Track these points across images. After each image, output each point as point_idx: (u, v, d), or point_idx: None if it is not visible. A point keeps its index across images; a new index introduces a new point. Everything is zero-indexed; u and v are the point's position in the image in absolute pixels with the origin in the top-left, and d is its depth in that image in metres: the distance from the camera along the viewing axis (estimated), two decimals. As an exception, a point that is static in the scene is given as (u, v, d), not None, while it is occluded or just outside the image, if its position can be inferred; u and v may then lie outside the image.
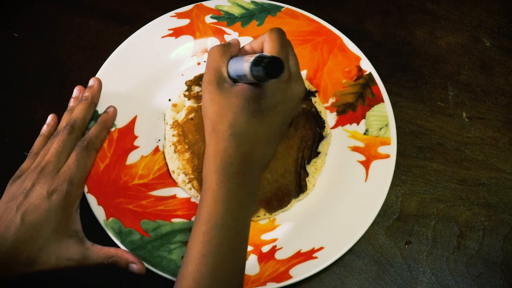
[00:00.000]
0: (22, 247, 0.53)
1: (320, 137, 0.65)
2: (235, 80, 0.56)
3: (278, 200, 0.62)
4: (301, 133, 0.65)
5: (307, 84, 0.68)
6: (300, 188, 0.63)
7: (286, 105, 0.56)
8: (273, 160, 0.63)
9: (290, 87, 0.56)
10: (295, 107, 0.59)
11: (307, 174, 0.63)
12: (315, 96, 0.68)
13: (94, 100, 0.64)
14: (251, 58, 0.52)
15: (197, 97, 0.66)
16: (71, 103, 0.65)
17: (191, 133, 0.64)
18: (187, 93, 0.67)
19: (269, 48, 0.55)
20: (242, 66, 0.53)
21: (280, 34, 0.56)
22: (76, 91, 0.65)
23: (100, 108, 0.65)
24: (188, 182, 0.63)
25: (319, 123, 0.66)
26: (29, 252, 0.54)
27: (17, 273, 0.54)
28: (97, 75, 0.67)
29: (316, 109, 0.67)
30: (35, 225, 0.54)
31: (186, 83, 0.67)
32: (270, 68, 0.51)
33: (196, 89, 0.67)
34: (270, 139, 0.57)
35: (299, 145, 0.64)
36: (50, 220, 0.55)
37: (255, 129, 0.54)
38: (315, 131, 0.65)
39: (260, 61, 0.51)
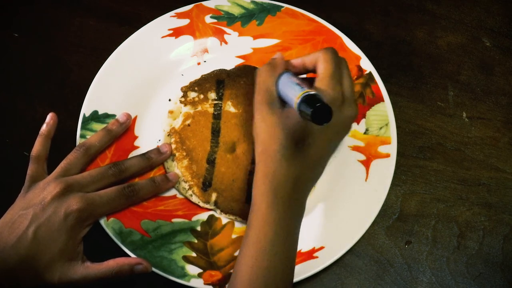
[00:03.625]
0: (31, 263, 0.53)
1: None
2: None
3: None
4: None
5: None
6: None
7: (337, 128, 0.56)
8: None
9: (343, 110, 0.55)
10: (346, 130, 0.58)
11: None
12: None
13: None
14: (298, 93, 0.51)
15: (194, 103, 0.66)
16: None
17: (189, 139, 0.64)
18: (183, 99, 0.67)
19: (322, 70, 0.55)
20: (290, 97, 0.52)
21: (334, 54, 0.56)
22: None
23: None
24: (188, 189, 0.63)
25: None
26: (36, 268, 0.53)
27: (24, 286, 0.54)
28: (97, 75, 0.67)
29: None
30: (45, 242, 0.54)
31: (181, 89, 0.67)
32: (317, 116, 0.49)
33: (191, 94, 0.67)
34: (318, 162, 0.56)
35: None
36: (59, 240, 0.54)
37: (306, 152, 0.54)
38: None
39: (308, 103, 0.49)
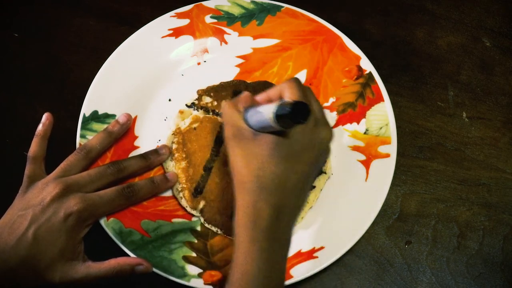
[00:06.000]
0: (31, 263, 0.53)
1: (319, 172, 0.64)
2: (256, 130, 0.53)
3: None
4: None
5: None
6: None
7: (314, 152, 0.53)
8: None
9: (317, 132, 0.53)
10: (324, 153, 0.56)
11: None
12: None
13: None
14: (273, 105, 0.49)
15: (205, 108, 0.66)
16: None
17: (191, 142, 0.64)
18: (196, 102, 0.67)
19: (290, 95, 0.53)
20: (264, 114, 0.50)
21: (298, 82, 0.54)
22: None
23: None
24: (180, 191, 0.63)
25: None
26: (37, 268, 0.54)
27: (24, 286, 0.54)
28: (97, 75, 0.67)
29: None
30: (45, 243, 0.54)
31: (197, 92, 0.67)
32: (296, 113, 0.47)
33: (206, 99, 0.67)
34: (300, 188, 0.53)
35: None
36: (59, 241, 0.54)
37: (283, 179, 0.51)
38: None
39: (284, 107, 0.48)
